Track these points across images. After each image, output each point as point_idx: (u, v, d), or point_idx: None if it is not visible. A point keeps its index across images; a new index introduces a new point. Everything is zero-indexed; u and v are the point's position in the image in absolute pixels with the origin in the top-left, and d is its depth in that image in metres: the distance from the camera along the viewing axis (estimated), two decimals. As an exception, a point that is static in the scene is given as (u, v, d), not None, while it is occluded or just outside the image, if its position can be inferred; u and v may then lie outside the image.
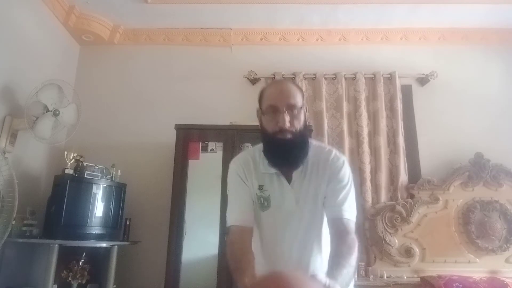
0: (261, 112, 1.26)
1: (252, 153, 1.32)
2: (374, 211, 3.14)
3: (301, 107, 1.22)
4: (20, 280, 2.68)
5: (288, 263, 1.22)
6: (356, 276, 2.91)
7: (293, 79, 3.48)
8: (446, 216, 3.11)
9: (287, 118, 1.17)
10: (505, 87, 3.55)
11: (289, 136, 1.17)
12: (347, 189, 1.22)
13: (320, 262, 1.23)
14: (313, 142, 1.31)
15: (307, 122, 1.31)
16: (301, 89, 1.28)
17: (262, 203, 1.24)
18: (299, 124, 1.20)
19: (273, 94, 1.23)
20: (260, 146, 1.31)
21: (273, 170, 1.25)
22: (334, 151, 1.29)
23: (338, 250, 1.10)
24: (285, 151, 1.19)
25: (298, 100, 1.21)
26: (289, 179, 1.24)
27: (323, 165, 1.25)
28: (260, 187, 1.25)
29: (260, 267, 1.16)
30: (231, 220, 1.24)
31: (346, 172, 1.24)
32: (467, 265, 2.98)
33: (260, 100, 1.27)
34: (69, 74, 3.56)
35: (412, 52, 3.65)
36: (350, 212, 1.19)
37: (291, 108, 1.19)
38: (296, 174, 1.24)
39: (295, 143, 1.19)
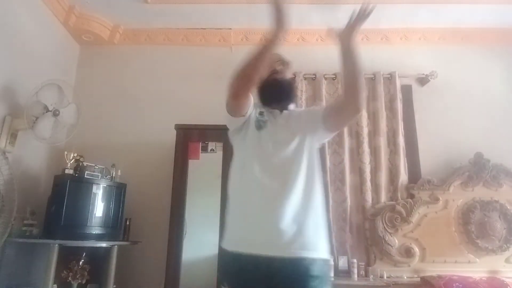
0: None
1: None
2: (374, 211, 3.14)
3: (289, 66, 1.57)
4: (20, 280, 2.68)
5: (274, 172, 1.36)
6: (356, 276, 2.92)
7: (293, 79, 3.48)
8: (446, 216, 3.11)
9: (279, 64, 1.51)
10: (505, 87, 3.55)
11: (280, 77, 1.49)
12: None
13: (303, 173, 1.36)
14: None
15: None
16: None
17: (260, 124, 1.45)
18: (288, 75, 1.54)
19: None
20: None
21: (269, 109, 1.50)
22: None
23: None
24: (278, 87, 1.49)
25: (287, 59, 1.57)
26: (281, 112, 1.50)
27: (304, 114, 1.55)
28: (261, 113, 1.48)
29: (251, 176, 1.35)
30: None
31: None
32: (467, 265, 2.98)
33: None
34: (69, 74, 3.57)
35: (412, 52, 3.65)
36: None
37: (283, 62, 1.54)
38: (285, 111, 1.50)
39: (285, 82, 1.52)
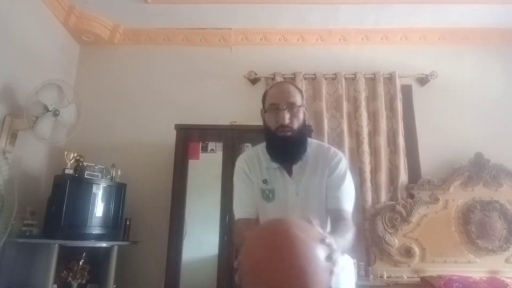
0: (264, 111, 1.35)
1: (256, 151, 1.42)
2: (374, 211, 3.14)
3: (300, 106, 1.31)
4: (20, 280, 2.68)
5: None
6: (356, 276, 2.91)
7: (293, 79, 3.48)
8: (446, 216, 3.11)
9: (287, 115, 1.26)
10: (505, 87, 3.55)
11: (288, 133, 1.27)
12: (345, 183, 1.31)
13: None
14: (313, 141, 1.41)
15: (307, 122, 1.39)
16: (300, 90, 1.37)
17: (268, 195, 1.34)
18: (298, 122, 1.29)
19: (275, 93, 1.33)
20: (263, 144, 1.40)
21: (275, 165, 1.34)
22: (333, 148, 1.38)
23: (334, 229, 1.17)
24: (285, 147, 1.29)
25: (298, 99, 1.31)
26: (290, 173, 1.34)
27: (322, 161, 1.33)
28: (265, 181, 1.34)
29: None
30: (238, 214, 1.36)
31: (344, 166, 1.33)
32: (467, 265, 2.98)
33: (264, 101, 1.37)
34: (69, 74, 3.57)
35: (412, 52, 3.65)
36: (347, 203, 1.28)
37: (290, 106, 1.28)
38: (296, 168, 1.33)
39: (294, 140, 1.29)
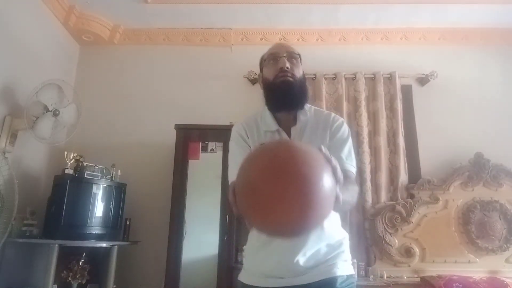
0: (261, 70, 1.33)
1: (253, 116, 1.37)
2: (374, 211, 3.14)
3: (299, 59, 1.29)
4: (20, 280, 2.68)
5: None
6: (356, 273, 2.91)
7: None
8: (446, 216, 3.11)
9: (287, 61, 1.24)
10: (505, 87, 3.55)
11: (289, 77, 1.24)
12: (348, 145, 1.26)
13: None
14: (312, 106, 1.36)
15: (307, 85, 1.35)
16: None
17: None
18: (298, 72, 1.27)
19: (274, 46, 1.33)
20: (260, 110, 1.36)
21: (274, 127, 1.28)
22: (334, 114, 1.35)
23: None
24: (286, 92, 1.24)
25: (296, 51, 1.29)
26: (289, 136, 1.27)
27: (323, 125, 1.28)
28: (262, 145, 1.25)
29: None
30: (232, 178, 1.19)
31: (346, 130, 1.29)
32: (467, 265, 2.98)
33: (262, 63, 1.34)
34: (69, 74, 3.57)
35: (412, 52, 3.65)
36: (351, 164, 1.23)
37: (290, 55, 1.27)
38: (295, 131, 1.27)
39: (295, 84, 1.25)
